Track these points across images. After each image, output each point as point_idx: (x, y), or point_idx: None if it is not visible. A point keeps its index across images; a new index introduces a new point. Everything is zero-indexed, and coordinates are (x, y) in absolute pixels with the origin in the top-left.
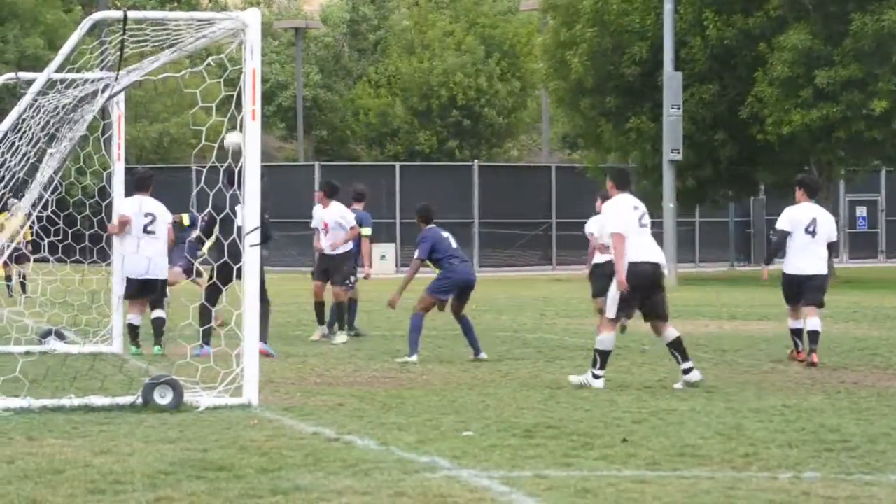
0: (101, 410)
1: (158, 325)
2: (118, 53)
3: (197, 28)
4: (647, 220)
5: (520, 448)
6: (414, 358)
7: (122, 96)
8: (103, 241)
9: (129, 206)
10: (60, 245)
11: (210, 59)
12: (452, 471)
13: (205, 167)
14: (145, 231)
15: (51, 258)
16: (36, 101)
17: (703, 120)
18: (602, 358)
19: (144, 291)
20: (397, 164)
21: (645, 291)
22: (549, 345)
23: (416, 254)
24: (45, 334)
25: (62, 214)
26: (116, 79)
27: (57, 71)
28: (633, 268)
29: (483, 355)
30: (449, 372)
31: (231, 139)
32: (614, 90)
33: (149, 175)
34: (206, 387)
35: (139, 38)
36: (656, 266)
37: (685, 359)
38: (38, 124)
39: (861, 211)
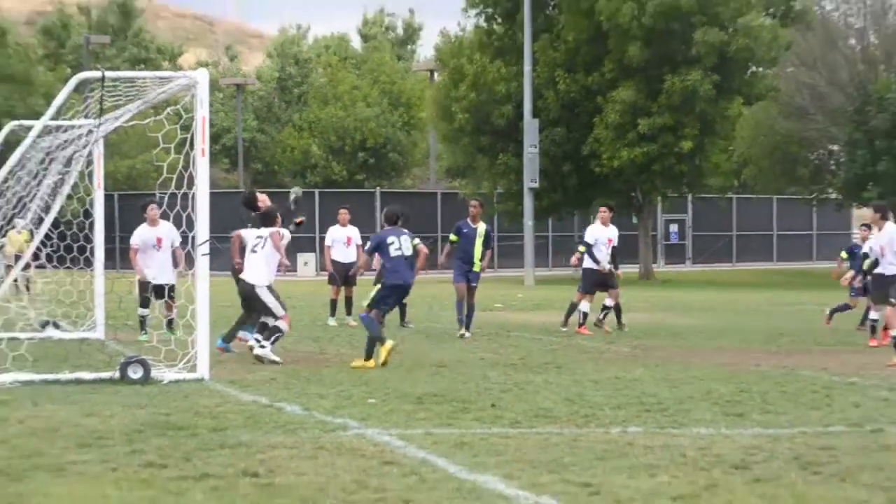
0: (88, 383)
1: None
2: (98, 105)
3: (159, 84)
4: None
5: (412, 412)
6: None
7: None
8: (87, 251)
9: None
10: (55, 255)
11: (169, 109)
12: (360, 430)
13: (166, 194)
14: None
15: (48, 265)
16: (35, 142)
17: (554, 156)
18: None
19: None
20: (316, 192)
21: None
22: (436, 332)
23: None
24: (45, 324)
25: (56, 231)
26: (98, 125)
27: (51, 119)
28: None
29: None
30: (358, 354)
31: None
32: (487, 132)
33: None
34: (169, 365)
35: (114, 93)
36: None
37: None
38: (36, 160)
39: (674, 227)
